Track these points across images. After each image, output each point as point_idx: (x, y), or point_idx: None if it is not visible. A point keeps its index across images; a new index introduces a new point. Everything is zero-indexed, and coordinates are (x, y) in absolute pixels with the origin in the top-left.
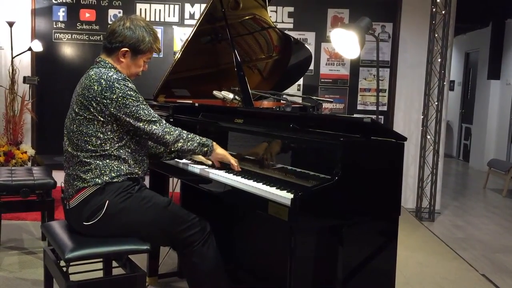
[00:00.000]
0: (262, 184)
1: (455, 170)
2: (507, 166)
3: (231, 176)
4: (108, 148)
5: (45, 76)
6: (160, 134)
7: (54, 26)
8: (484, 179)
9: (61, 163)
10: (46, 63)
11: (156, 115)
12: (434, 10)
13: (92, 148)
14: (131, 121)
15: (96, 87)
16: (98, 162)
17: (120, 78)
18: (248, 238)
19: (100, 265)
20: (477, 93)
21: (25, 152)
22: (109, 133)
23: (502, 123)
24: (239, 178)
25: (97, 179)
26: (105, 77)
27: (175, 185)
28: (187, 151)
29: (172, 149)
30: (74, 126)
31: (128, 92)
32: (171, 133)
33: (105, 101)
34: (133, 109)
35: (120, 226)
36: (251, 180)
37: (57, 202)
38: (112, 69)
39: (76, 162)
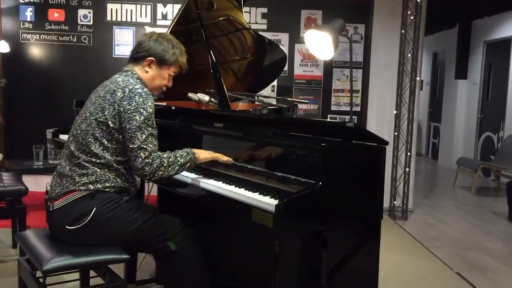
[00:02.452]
0: (245, 189)
1: (424, 169)
2: (475, 165)
3: (212, 181)
4: (108, 157)
5: (13, 77)
6: (139, 164)
7: (22, 26)
8: (453, 177)
9: (31, 167)
10: (13, 64)
11: (151, 145)
12: (405, 12)
13: (94, 151)
14: (126, 136)
15: (119, 94)
16: (96, 168)
17: (143, 93)
18: (228, 242)
19: (76, 274)
20: (445, 93)
21: None
22: (114, 142)
23: (469, 122)
24: (220, 184)
25: (90, 185)
26: (131, 87)
27: (150, 188)
28: (168, 177)
29: (153, 179)
30: (84, 125)
31: (141, 110)
32: (152, 163)
33: (120, 108)
34: (133, 127)
35: (103, 235)
36: (233, 186)
37: (28, 208)
38: (139, 82)
39: (74, 163)
